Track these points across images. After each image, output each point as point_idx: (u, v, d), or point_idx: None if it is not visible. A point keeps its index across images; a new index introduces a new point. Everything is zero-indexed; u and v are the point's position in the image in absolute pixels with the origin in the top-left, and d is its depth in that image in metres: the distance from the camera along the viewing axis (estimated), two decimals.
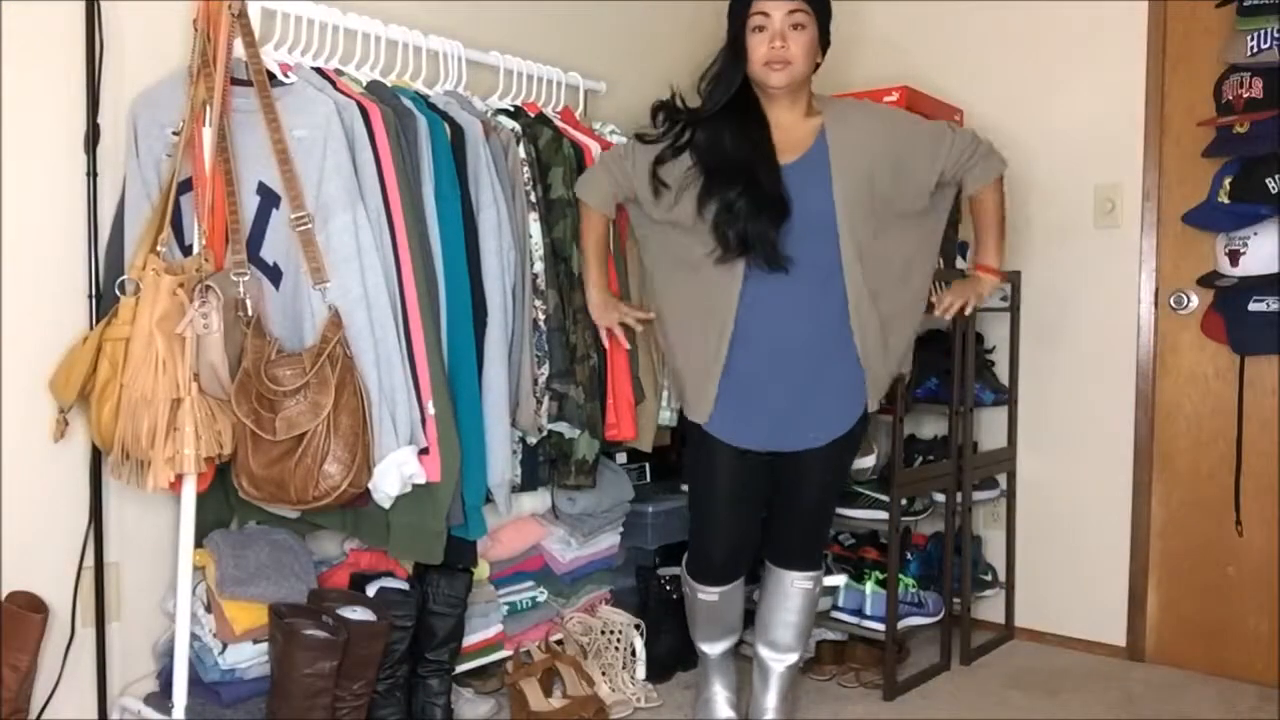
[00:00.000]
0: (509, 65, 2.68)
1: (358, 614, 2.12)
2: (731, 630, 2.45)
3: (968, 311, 2.38)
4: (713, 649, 2.45)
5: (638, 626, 2.70)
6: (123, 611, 2.18)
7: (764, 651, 2.44)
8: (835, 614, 2.79)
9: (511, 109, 2.58)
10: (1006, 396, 3.14)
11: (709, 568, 2.37)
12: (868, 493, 2.79)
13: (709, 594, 2.38)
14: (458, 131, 2.27)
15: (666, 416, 2.61)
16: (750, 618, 2.54)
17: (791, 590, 2.39)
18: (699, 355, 2.26)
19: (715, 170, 2.20)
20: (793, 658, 2.43)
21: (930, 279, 2.35)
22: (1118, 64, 3.00)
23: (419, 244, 2.11)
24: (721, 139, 2.21)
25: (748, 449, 2.27)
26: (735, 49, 2.21)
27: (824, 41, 2.24)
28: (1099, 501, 3.06)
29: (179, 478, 1.89)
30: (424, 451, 2.07)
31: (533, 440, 2.41)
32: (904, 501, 2.78)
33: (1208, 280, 2.82)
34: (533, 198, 2.40)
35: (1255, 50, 2.68)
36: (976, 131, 2.32)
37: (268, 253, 2.03)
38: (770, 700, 2.43)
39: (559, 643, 2.63)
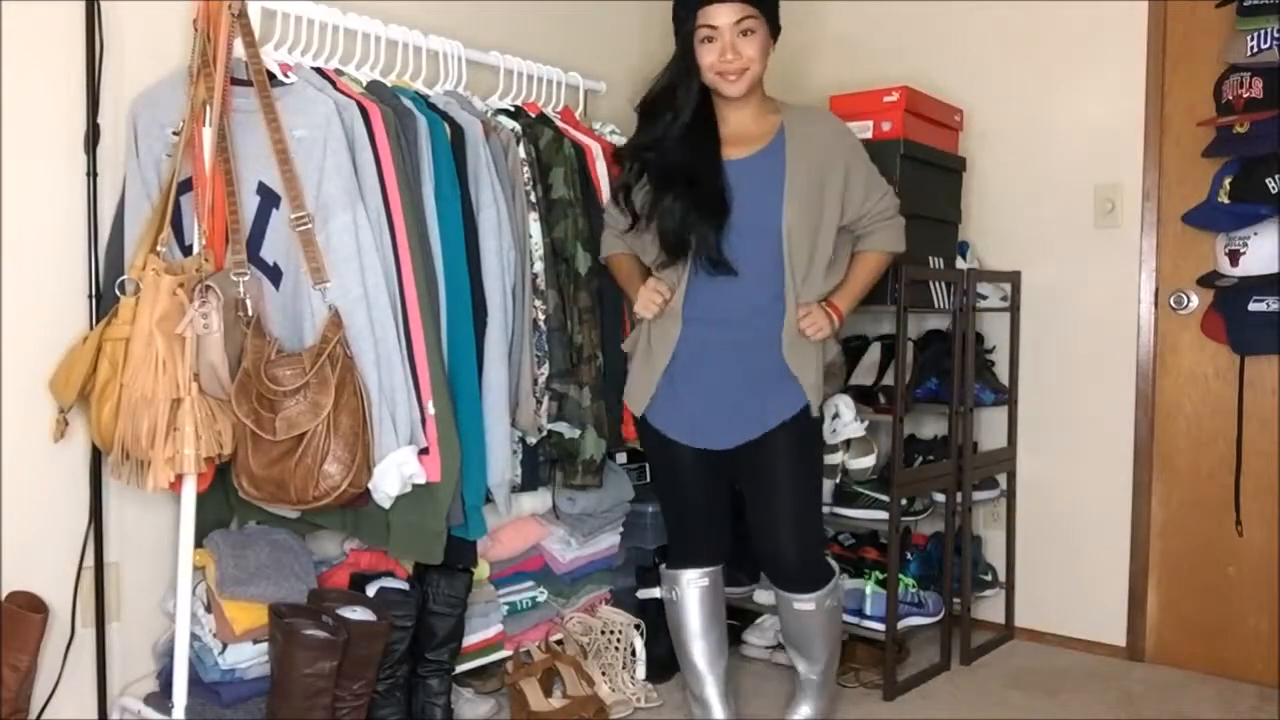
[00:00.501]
0: (509, 65, 2.68)
1: (358, 614, 2.12)
2: (722, 647, 2.39)
3: (814, 336, 2.19)
4: (713, 668, 2.36)
5: (638, 626, 2.70)
6: (123, 611, 2.18)
7: (794, 658, 2.41)
8: None
9: (511, 109, 2.58)
10: (1006, 396, 3.14)
11: (693, 548, 2.36)
12: (868, 493, 2.79)
13: (701, 579, 2.34)
14: (458, 131, 2.27)
15: None
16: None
17: (791, 612, 2.30)
18: (653, 357, 2.26)
19: (660, 178, 2.20)
20: (818, 667, 2.37)
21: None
22: (1118, 64, 3.00)
23: (419, 244, 2.11)
24: (669, 148, 2.20)
25: (686, 444, 2.26)
26: (686, 62, 2.17)
27: (774, 30, 2.20)
28: (1099, 501, 3.06)
29: (179, 478, 1.89)
30: (424, 451, 2.07)
31: (533, 440, 2.42)
32: (904, 501, 2.78)
33: (1208, 280, 2.82)
34: (533, 198, 2.40)
35: (1255, 50, 2.68)
36: (897, 213, 2.32)
37: (268, 253, 2.03)
38: (803, 709, 2.41)
39: (559, 643, 2.63)
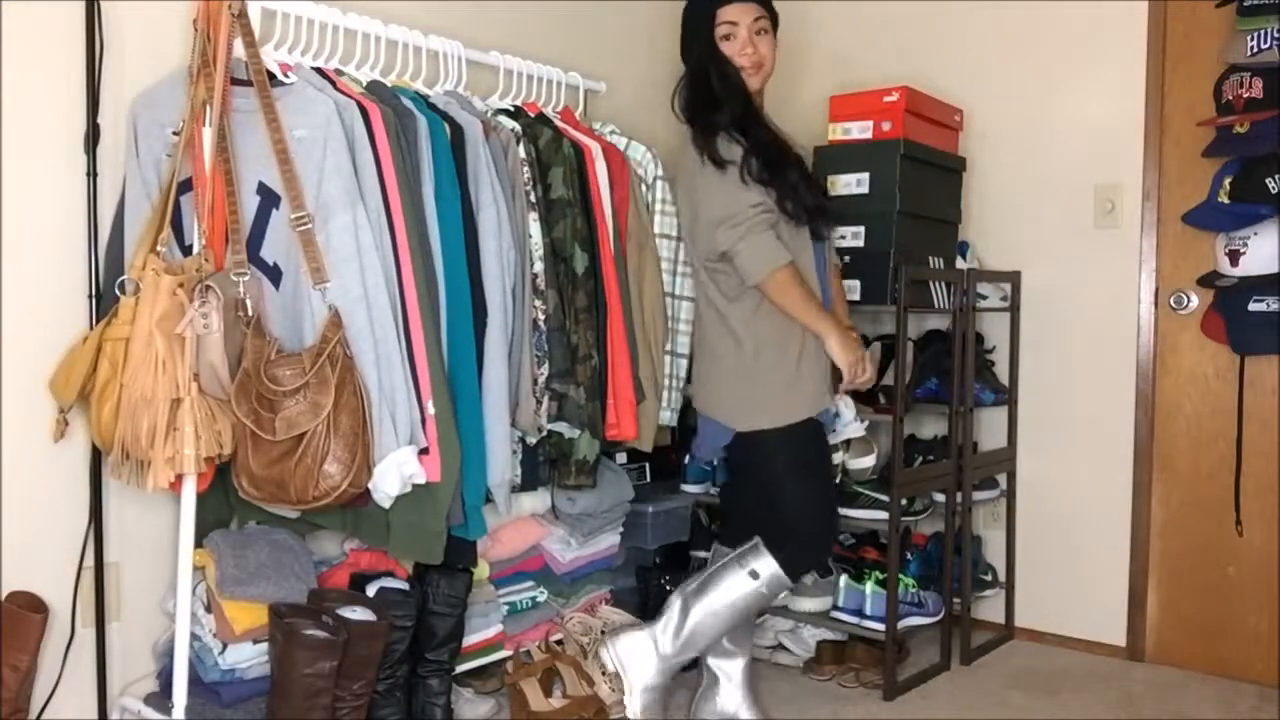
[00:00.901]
0: (509, 65, 2.68)
1: (358, 614, 2.12)
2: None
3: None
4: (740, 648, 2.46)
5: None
6: (123, 611, 2.18)
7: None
8: (835, 614, 2.79)
9: (511, 109, 2.58)
10: (1006, 396, 3.14)
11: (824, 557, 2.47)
12: (868, 493, 2.79)
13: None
14: (458, 131, 2.27)
15: (666, 416, 2.61)
16: None
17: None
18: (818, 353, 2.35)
19: (778, 154, 2.31)
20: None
21: None
22: (1118, 64, 3.00)
23: (419, 244, 2.11)
24: (760, 133, 2.32)
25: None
26: (715, 59, 2.33)
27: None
28: (1099, 501, 3.06)
29: (179, 478, 1.89)
30: (424, 451, 2.07)
31: (533, 440, 2.41)
32: (904, 501, 2.78)
33: (1208, 280, 2.82)
34: (533, 198, 2.40)
35: (1255, 50, 2.68)
36: None
37: (268, 253, 2.03)
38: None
39: (559, 643, 2.63)
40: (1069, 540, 3.12)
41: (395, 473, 1.99)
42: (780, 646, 2.93)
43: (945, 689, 2.81)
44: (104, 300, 2.05)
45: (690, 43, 2.36)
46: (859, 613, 2.75)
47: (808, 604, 2.81)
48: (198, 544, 2.01)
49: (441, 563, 2.17)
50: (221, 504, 2.19)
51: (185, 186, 2.01)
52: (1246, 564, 2.85)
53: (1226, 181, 2.74)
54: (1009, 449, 3.17)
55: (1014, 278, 3.13)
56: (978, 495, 3.06)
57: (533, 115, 2.59)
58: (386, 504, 2.04)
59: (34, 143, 2.01)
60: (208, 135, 1.96)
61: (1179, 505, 2.96)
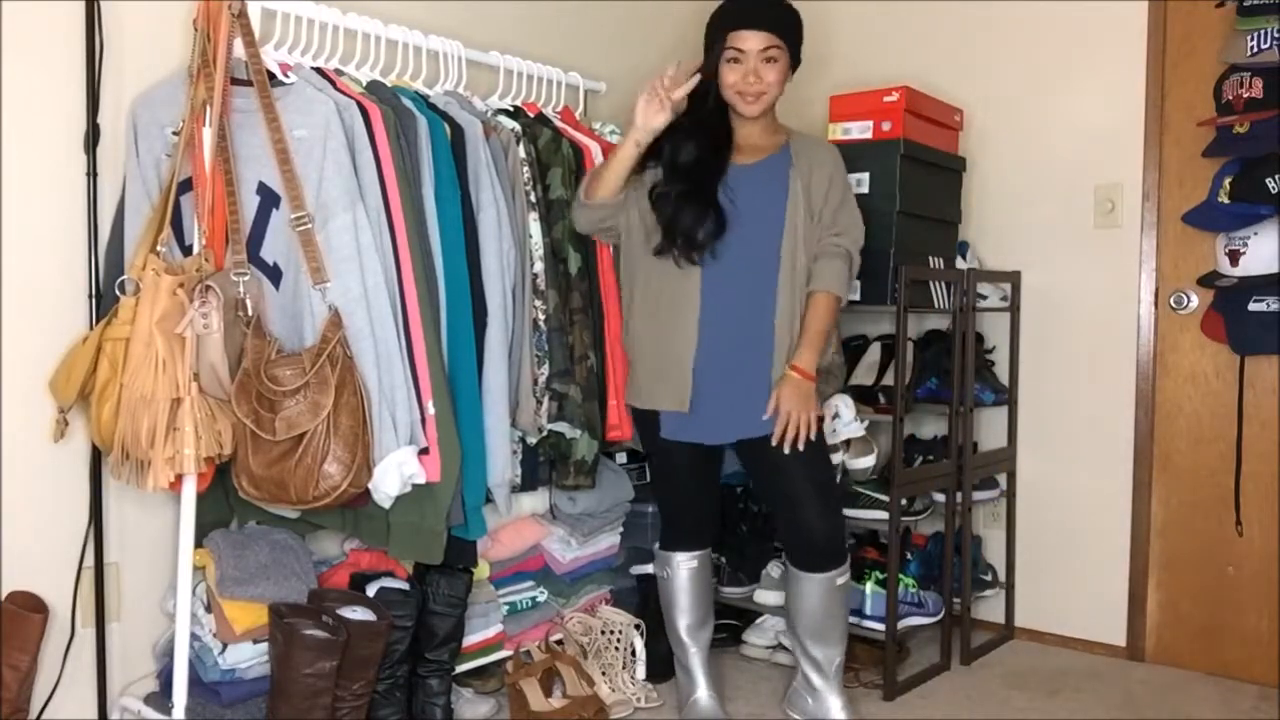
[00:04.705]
0: (509, 65, 2.68)
1: (358, 614, 2.12)
2: (705, 621, 2.54)
3: (804, 430, 2.25)
4: (696, 639, 2.52)
5: (638, 626, 2.70)
6: (123, 611, 2.18)
7: (810, 652, 2.44)
8: None
9: (511, 109, 2.58)
10: (1006, 396, 3.14)
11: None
12: (868, 493, 2.79)
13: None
14: (458, 131, 2.27)
15: None
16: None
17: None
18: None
19: (670, 171, 2.31)
20: (837, 652, 2.46)
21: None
22: (1118, 64, 3.00)
23: (419, 244, 2.11)
24: (684, 145, 2.31)
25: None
26: (710, 73, 2.31)
27: (794, 63, 2.36)
28: (1099, 501, 3.06)
29: (179, 478, 1.89)
30: (424, 451, 2.07)
31: (533, 440, 2.42)
32: (904, 501, 2.78)
33: (1208, 280, 2.82)
34: (533, 198, 2.40)
35: (1255, 50, 2.68)
36: (856, 252, 2.38)
37: (268, 253, 2.03)
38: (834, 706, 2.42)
39: (559, 643, 2.63)
40: (1069, 540, 3.12)
41: (395, 473, 1.99)
42: (780, 646, 2.93)
43: (945, 689, 2.81)
44: (104, 300, 2.06)
45: (707, 53, 2.34)
46: (859, 612, 2.75)
47: None
48: (198, 544, 2.01)
49: (441, 563, 2.17)
50: (221, 504, 2.19)
51: (185, 186, 2.01)
52: (1246, 564, 2.85)
53: (1226, 181, 2.74)
54: (1009, 449, 3.17)
55: (1014, 278, 3.13)
56: (978, 495, 3.06)
57: (532, 115, 2.59)
58: (386, 504, 2.04)
59: (34, 143, 2.01)
60: (208, 135, 1.96)
61: (1179, 505, 2.96)
